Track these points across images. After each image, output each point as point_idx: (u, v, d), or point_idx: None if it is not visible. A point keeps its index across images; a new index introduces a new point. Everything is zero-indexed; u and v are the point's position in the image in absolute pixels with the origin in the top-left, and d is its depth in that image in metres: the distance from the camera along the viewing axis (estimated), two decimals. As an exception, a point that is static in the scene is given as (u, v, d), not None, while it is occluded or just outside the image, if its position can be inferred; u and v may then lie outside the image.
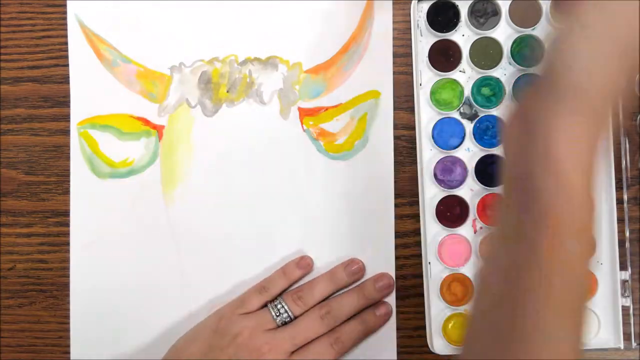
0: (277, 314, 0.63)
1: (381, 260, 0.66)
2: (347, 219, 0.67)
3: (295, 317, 0.63)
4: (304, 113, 0.67)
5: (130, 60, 0.67)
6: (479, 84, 0.65)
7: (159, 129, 0.67)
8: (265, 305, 0.64)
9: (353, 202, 0.67)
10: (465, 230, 0.66)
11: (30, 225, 0.67)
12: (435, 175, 0.65)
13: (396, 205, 0.67)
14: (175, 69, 0.67)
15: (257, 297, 0.64)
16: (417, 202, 0.66)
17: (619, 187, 0.65)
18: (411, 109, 0.66)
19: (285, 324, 0.63)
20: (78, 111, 0.67)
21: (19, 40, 0.67)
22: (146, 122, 0.67)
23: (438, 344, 0.65)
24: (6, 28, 0.67)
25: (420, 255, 0.66)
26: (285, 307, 0.63)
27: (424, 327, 0.66)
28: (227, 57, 0.67)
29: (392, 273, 0.66)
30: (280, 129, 0.67)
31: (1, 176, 0.67)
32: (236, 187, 0.67)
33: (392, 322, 0.66)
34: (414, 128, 0.66)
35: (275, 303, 0.63)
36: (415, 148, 0.66)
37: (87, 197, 0.67)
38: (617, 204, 0.65)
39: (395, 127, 0.67)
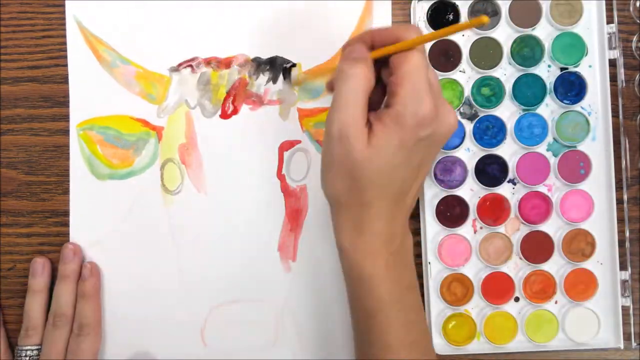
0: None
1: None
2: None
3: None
4: (304, 114, 0.67)
5: (130, 61, 0.67)
6: (479, 84, 0.65)
7: (158, 130, 0.67)
8: None
9: None
10: (465, 230, 0.66)
11: (30, 225, 0.67)
12: (435, 175, 0.65)
13: (395, 205, 0.66)
14: (174, 70, 0.67)
15: None
16: (417, 202, 0.66)
17: (619, 187, 0.65)
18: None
19: None
20: (77, 113, 0.67)
21: (19, 40, 0.67)
22: (145, 123, 0.67)
23: (438, 344, 0.66)
24: (6, 28, 0.67)
25: (420, 255, 0.66)
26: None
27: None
28: (227, 58, 0.67)
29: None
30: (279, 129, 0.67)
31: (1, 176, 0.67)
32: (235, 188, 0.67)
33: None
34: None
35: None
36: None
37: (86, 198, 0.67)
38: (617, 204, 0.65)
39: (395, 127, 0.66)
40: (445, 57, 0.65)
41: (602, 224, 0.65)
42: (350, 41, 0.56)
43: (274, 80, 0.67)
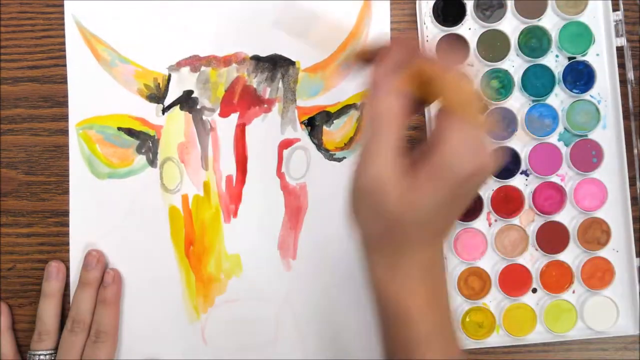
0: None
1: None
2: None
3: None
4: (303, 112, 0.66)
5: (129, 60, 0.66)
6: (488, 77, 0.65)
7: (157, 129, 0.66)
8: None
9: None
10: (480, 223, 0.65)
11: (30, 225, 0.66)
12: (447, 169, 0.64)
13: (397, 206, 0.66)
14: (173, 69, 0.66)
15: None
16: None
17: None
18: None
19: None
20: (76, 112, 0.66)
21: (19, 40, 0.66)
22: (144, 122, 0.66)
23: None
24: (6, 28, 0.66)
25: None
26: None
27: (424, 328, 0.65)
28: (226, 57, 0.66)
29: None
30: (278, 127, 0.66)
31: (1, 176, 0.66)
32: (234, 186, 0.66)
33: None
34: (413, 128, 0.66)
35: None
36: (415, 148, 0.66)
37: (86, 198, 0.66)
38: (630, 186, 0.65)
39: (395, 127, 0.66)
40: (452, 51, 0.65)
41: (616, 211, 0.65)
42: (384, 52, 0.49)
43: (273, 78, 0.66)
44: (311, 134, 0.66)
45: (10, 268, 0.66)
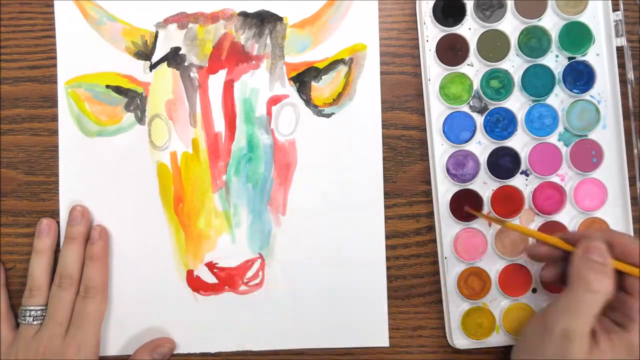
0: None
1: (369, 203, 0.66)
2: (336, 170, 0.66)
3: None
4: (291, 68, 0.67)
5: (116, 18, 0.66)
6: (488, 77, 0.65)
7: (145, 86, 0.66)
8: None
9: (341, 154, 0.66)
10: (479, 223, 0.65)
11: (30, 225, 0.66)
12: (447, 170, 0.64)
13: (396, 205, 0.66)
14: (160, 26, 0.66)
15: None
16: (417, 202, 0.66)
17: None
18: (410, 109, 0.66)
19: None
20: (65, 70, 0.66)
21: (19, 40, 0.66)
22: (132, 79, 0.66)
23: (458, 338, 0.65)
24: (6, 28, 0.66)
25: (420, 255, 0.66)
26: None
27: (423, 327, 0.66)
28: (213, 13, 0.66)
29: (382, 227, 0.66)
30: (267, 84, 0.66)
31: (1, 176, 0.66)
32: (223, 143, 0.66)
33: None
34: (413, 128, 0.66)
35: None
36: (416, 147, 0.66)
37: (75, 156, 0.66)
38: (630, 186, 0.65)
39: (396, 127, 0.66)
40: (452, 51, 0.65)
41: (616, 211, 0.65)
42: (591, 234, 0.57)
43: (261, 34, 0.66)
44: (300, 90, 0.66)
45: (10, 268, 0.66)
